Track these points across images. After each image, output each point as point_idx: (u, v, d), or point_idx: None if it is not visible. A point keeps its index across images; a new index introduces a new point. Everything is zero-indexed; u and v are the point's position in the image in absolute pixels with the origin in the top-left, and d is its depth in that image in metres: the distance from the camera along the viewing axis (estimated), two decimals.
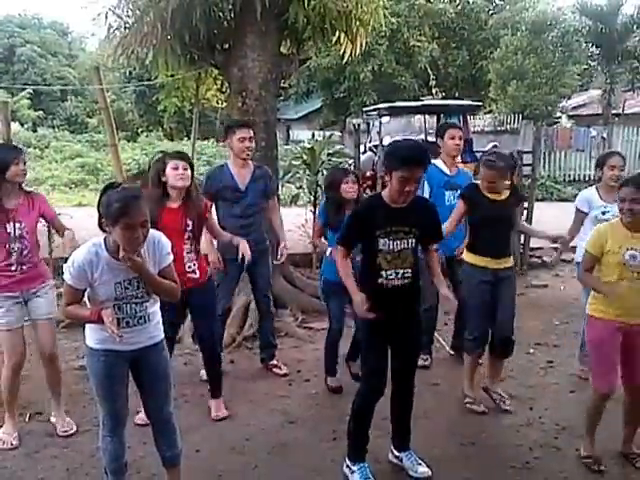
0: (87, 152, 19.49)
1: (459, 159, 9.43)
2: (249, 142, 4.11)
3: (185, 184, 3.45)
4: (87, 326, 2.63)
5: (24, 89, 22.95)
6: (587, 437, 3.27)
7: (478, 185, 3.75)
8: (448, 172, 4.36)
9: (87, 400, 3.85)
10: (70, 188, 15.27)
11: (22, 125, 22.83)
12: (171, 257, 2.64)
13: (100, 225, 2.49)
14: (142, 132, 24.74)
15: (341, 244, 3.04)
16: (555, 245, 8.43)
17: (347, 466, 3.08)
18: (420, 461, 3.11)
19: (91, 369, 2.64)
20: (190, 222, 3.50)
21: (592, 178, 10.53)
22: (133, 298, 2.54)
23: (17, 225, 3.32)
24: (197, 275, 3.56)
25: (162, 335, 2.73)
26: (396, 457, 3.20)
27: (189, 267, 3.52)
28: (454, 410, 3.81)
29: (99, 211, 2.46)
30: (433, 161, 4.63)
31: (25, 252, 3.36)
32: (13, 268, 3.34)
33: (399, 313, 2.96)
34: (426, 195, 4.33)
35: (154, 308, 2.66)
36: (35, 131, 23.66)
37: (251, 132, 4.15)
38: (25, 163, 3.38)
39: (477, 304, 3.72)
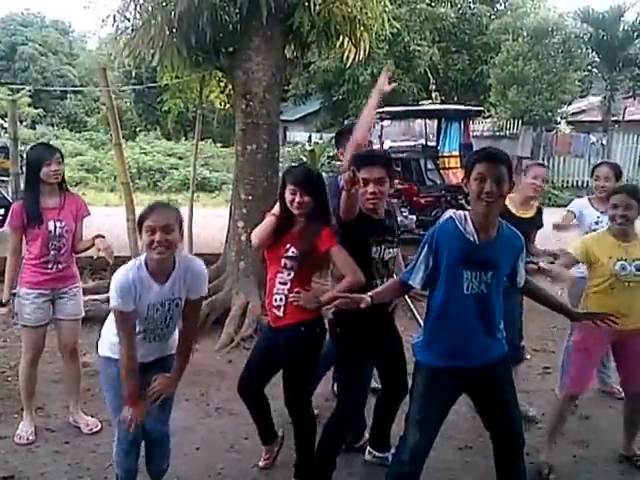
0: (86, 150, 19.49)
1: (458, 164, 9.55)
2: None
3: (299, 212, 2.81)
4: (105, 334, 2.65)
5: (24, 87, 22.90)
6: (549, 443, 3.24)
7: (506, 204, 3.59)
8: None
9: (89, 397, 3.88)
10: (71, 186, 15.20)
11: (21, 122, 22.79)
12: (204, 292, 2.64)
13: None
14: (140, 131, 24.71)
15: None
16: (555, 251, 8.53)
17: None
18: None
19: (108, 378, 2.61)
20: (293, 249, 2.82)
21: (590, 185, 10.54)
22: (159, 323, 2.56)
23: (58, 224, 3.37)
24: (280, 314, 2.88)
25: (174, 350, 2.71)
26: (379, 458, 3.14)
27: (275, 300, 2.88)
28: (451, 414, 3.78)
29: None
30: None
31: (62, 251, 3.41)
32: (49, 266, 3.38)
33: (380, 324, 2.87)
34: None
35: (175, 333, 2.70)
36: (34, 129, 23.63)
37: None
38: (59, 163, 3.37)
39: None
